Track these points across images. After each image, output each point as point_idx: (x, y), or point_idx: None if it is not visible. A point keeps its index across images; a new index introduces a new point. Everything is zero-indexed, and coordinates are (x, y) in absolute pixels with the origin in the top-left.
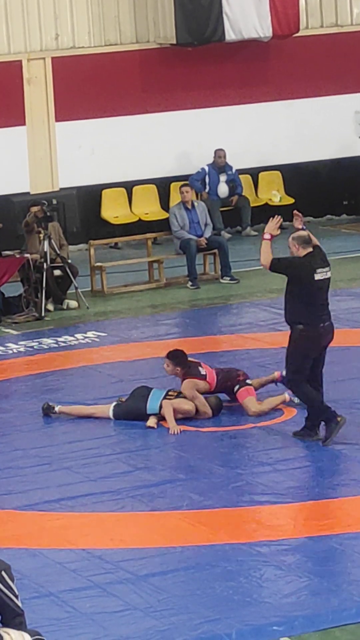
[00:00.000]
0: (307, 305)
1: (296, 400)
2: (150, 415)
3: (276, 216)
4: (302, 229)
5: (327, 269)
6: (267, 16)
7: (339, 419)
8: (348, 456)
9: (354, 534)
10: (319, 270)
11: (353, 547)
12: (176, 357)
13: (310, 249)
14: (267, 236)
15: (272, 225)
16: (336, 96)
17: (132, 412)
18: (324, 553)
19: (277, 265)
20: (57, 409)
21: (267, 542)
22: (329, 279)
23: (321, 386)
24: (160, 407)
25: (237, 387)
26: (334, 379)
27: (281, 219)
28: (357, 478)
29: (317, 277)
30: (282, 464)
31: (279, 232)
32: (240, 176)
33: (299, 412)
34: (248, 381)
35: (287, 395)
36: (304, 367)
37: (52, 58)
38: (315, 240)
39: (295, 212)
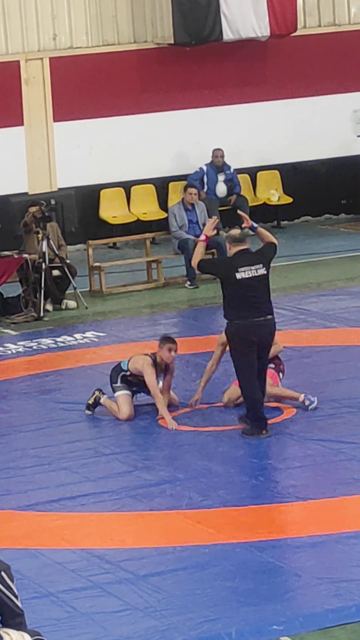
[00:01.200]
0: (232, 303)
1: (311, 404)
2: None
3: (213, 217)
4: (252, 228)
5: (257, 266)
6: (265, 15)
7: (264, 432)
8: (348, 455)
9: (353, 532)
10: (242, 269)
11: (353, 546)
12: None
13: (241, 248)
14: (202, 237)
15: (209, 227)
16: (334, 95)
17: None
18: (324, 552)
19: (203, 266)
20: (102, 400)
21: (266, 542)
22: (260, 276)
23: (263, 387)
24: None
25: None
26: (333, 378)
27: (217, 220)
28: (357, 477)
29: (240, 275)
30: (281, 463)
31: (214, 232)
32: (239, 175)
33: (299, 412)
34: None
35: (302, 396)
36: (243, 362)
37: (50, 58)
38: (269, 237)
39: (239, 212)
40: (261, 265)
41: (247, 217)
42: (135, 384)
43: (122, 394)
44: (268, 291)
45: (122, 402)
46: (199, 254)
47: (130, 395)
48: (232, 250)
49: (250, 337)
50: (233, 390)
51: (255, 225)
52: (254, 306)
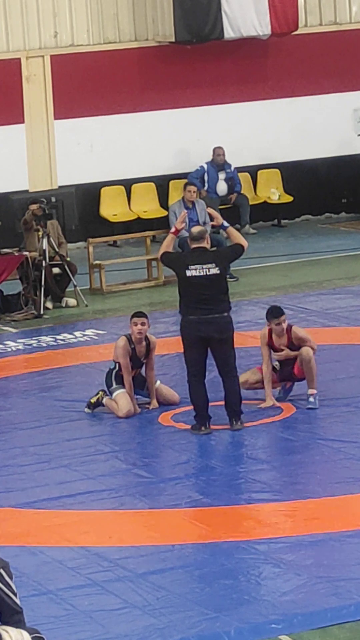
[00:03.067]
0: (182, 298)
1: (312, 405)
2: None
3: (183, 211)
4: (223, 227)
5: (208, 265)
6: (266, 14)
7: (202, 428)
8: (347, 454)
9: (352, 531)
10: (192, 267)
11: (352, 545)
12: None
13: (197, 245)
14: (172, 229)
15: (179, 220)
16: (335, 94)
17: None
18: (323, 551)
19: (164, 259)
20: (104, 400)
21: (265, 540)
22: (212, 275)
23: (234, 384)
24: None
25: None
26: (333, 377)
27: (186, 214)
28: (356, 476)
29: (190, 273)
30: (281, 462)
31: (183, 225)
32: (239, 174)
33: (297, 410)
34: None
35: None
36: (189, 357)
37: (51, 56)
38: (237, 238)
39: (208, 209)
40: (214, 265)
41: (217, 215)
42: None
43: (120, 392)
44: (222, 290)
45: (120, 398)
46: (165, 246)
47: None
48: (191, 246)
49: (196, 334)
50: (251, 374)
51: (225, 224)
52: (203, 304)
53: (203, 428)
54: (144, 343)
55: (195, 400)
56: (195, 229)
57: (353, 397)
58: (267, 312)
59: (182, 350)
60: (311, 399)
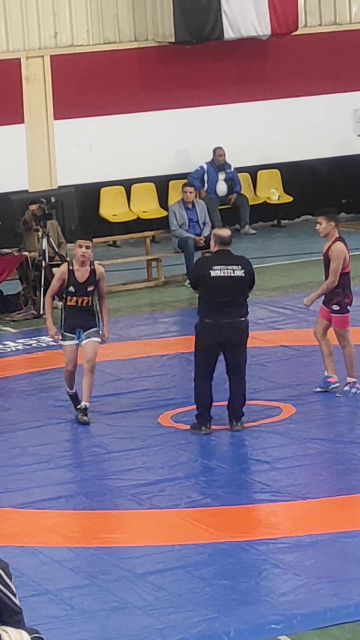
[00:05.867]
0: (203, 299)
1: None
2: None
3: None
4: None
5: (234, 267)
6: (266, 14)
7: (203, 428)
8: (347, 454)
9: (352, 532)
10: (217, 267)
11: (351, 545)
12: None
13: (221, 248)
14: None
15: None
16: (335, 94)
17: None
18: (323, 551)
19: (192, 283)
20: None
21: (265, 541)
22: (236, 277)
23: (240, 384)
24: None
25: None
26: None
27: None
28: (357, 476)
29: (214, 273)
30: (281, 462)
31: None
32: (239, 174)
33: (298, 410)
34: None
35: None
36: (201, 359)
37: (51, 56)
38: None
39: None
40: (239, 267)
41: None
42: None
43: (67, 344)
44: (243, 294)
45: (65, 350)
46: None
47: (75, 345)
48: (214, 248)
49: (214, 338)
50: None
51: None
52: (224, 306)
53: (203, 428)
54: (87, 267)
55: (199, 400)
56: (225, 233)
57: (353, 397)
58: None
59: (181, 351)
60: (346, 387)
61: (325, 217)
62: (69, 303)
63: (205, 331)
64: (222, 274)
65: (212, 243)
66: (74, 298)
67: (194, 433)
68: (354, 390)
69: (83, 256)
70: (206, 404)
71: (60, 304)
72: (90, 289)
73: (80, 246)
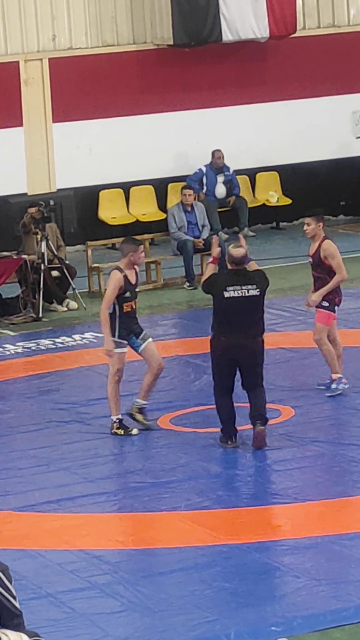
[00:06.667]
0: (216, 317)
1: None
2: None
3: (214, 237)
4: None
5: (248, 287)
6: (264, 17)
7: (229, 442)
8: (346, 456)
9: (352, 534)
10: (230, 288)
11: (351, 547)
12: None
13: (234, 267)
14: (209, 259)
15: (214, 248)
16: (333, 97)
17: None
18: (322, 553)
19: (205, 287)
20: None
21: (265, 543)
22: (251, 297)
23: (260, 392)
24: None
25: None
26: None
27: (217, 240)
28: (355, 478)
29: (228, 294)
30: (280, 465)
31: (218, 250)
32: (238, 177)
33: (297, 413)
34: None
35: (336, 376)
36: (218, 375)
37: (50, 59)
38: (253, 265)
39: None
40: (254, 286)
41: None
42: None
43: (122, 352)
44: (259, 313)
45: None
46: (206, 275)
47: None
48: (229, 266)
49: (227, 356)
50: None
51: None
52: (237, 325)
53: (229, 442)
54: (134, 270)
55: (221, 414)
56: (238, 252)
57: (352, 399)
58: None
59: (180, 354)
60: (333, 385)
61: (315, 218)
62: (125, 309)
63: (219, 349)
64: (235, 294)
65: (226, 261)
66: (130, 303)
67: (221, 446)
68: (341, 386)
69: (141, 259)
70: (229, 417)
71: (60, 308)
72: (137, 290)
73: (142, 251)
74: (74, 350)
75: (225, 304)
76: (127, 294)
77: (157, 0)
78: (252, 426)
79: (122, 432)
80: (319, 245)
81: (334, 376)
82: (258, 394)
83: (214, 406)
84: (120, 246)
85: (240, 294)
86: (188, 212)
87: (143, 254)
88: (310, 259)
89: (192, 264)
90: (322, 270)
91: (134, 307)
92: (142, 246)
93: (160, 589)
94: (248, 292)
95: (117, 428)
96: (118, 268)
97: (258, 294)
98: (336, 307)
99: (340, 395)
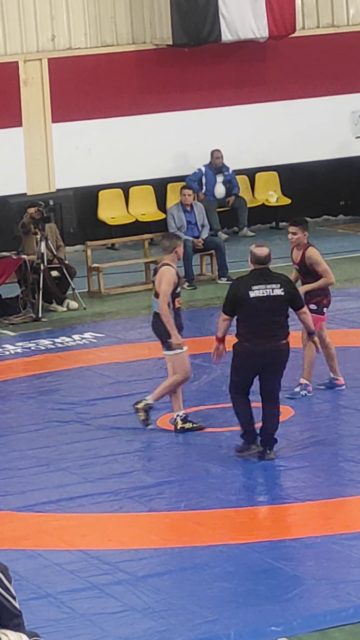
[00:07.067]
0: (242, 322)
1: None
2: None
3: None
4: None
5: (273, 285)
6: (264, 17)
7: (253, 447)
8: (346, 456)
9: (352, 534)
10: (255, 287)
11: (351, 547)
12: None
13: (257, 267)
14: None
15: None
16: (333, 96)
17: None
18: (322, 553)
19: (225, 308)
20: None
21: (265, 543)
22: (276, 297)
23: (274, 408)
24: None
25: None
26: (332, 379)
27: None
28: (355, 478)
29: (253, 293)
30: (280, 464)
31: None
32: (237, 177)
33: (296, 413)
34: None
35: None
36: (238, 380)
37: (49, 59)
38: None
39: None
40: (278, 286)
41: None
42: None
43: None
44: (284, 314)
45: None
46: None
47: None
48: (251, 267)
49: (253, 363)
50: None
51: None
52: (265, 328)
53: (253, 446)
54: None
55: (241, 417)
56: (262, 251)
57: (351, 399)
58: None
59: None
60: (297, 389)
61: (301, 227)
62: (176, 305)
63: (245, 355)
64: (261, 294)
65: (248, 261)
66: (179, 299)
67: (242, 457)
68: (304, 392)
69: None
70: (249, 420)
71: (60, 308)
72: None
73: (181, 245)
74: (73, 350)
75: (251, 304)
76: (178, 290)
77: (157, 1)
78: (260, 445)
79: (190, 424)
80: (303, 254)
81: (302, 380)
82: (273, 410)
83: (214, 406)
84: (164, 242)
85: (265, 294)
86: (187, 212)
87: (181, 247)
88: (297, 267)
89: (191, 264)
90: (312, 278)
91: (180, 303)
92: (180, 240)
93: (160, 589)
94: (273, 292)
95: (184, 423)
96: (167, 264)
97: (283, 293)
98: (325, 309)
99: (341, 395)
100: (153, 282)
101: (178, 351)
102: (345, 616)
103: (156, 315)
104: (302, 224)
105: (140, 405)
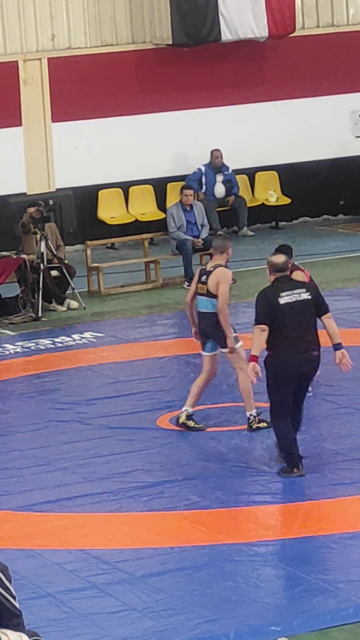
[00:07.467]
0: (275, 333)
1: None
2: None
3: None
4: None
5: (300, 290)
6: (263, 16)
7: (295, 470)
8: (346, 456)
9: (351, 533)
10: (284, 294)
11: (350, 547)
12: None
13: (278, 275)
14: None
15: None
16: (332, 96)
17: None
18: (322, 553)
19: (260, 319)
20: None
21: (264, 542)
22: (304, 301)
23: (299, 421)
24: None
25: None
26: (331, 379)
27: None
28: (354, 478)
29: (283, 300)
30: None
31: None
32: (237, 176)
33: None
34: None
35: None
36: (278, 398)
37: (49, 59)
38: (303, 277)
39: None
40: (304, 290)
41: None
42: None
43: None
44: (314, 319)
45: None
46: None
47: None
48: (271, 277)
49: (291, 374)
50: None
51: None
52: (299, 335)
53: (296, 470)
54: None
55: (284, 442)
56: (279, 259)
57: (351, 399)
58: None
59: (180, 353)
60: None
61: (286, 256)
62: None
63: (284, 366)
64: (291, 300)
65: (267, 272)
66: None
67: (285, 477)
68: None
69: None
70: (292, 445)
71: (60, 307)
72: None
73: (231, 246)
74: (73, 349)
75: (282, 312)
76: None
77: (156, 0)
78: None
79: (265, 424)
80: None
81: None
82: (297, 417)
83: (214, 406)
84: (217, 243)
85: (294, 299)
86: (187, 212)
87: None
88: None
89: (191, 263)
90: None
91: None
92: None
93: (159, 588)
94: (300, 297)
95: (259, 422)
96: (221, 265)
97: (310, 297)
98: None
99: (340, 395)
100: (202, 282)
101: (238, 345)
102: (345, 616)
103: (209, 315)
104: (287, 252)
105: (182, 420)
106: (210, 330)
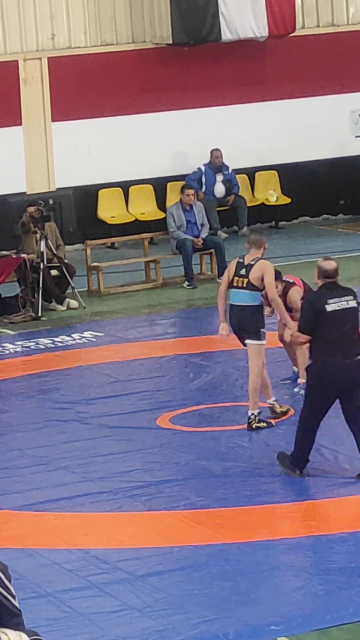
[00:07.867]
0: (320, 339)
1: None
2: None
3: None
4: None
5: (347, 298)
6: (263, 16)
7: (297, 471)
8: (346, 456)
9: (351, 533)
10: (331, 301)
11: (350, 546)
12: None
13: (327, 281)
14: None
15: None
16: (332, 96)
17: None
18: (321, 552)
19: (305, 326)
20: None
21: (264, 542)
22: (351, 309)
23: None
24: None
25: None
26: None
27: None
28: (354, 478)
29: (330, 307)
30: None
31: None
32: (237, 176)
33: (297, 413)
34: None
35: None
36: (316, 404)
37: (49, 58)
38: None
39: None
40: (352, 297)
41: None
42: None
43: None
44: (358, 327)
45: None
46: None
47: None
48: (319, 282)
49: (336, 382)
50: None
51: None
52: (345, 343)
53: (298, 472)
54: None
55: (301, 446)
56: (330, 265)
57: None
58: None
59: (180, 353)
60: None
61: (280, 281)
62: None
63: (327, 374)
64: (338, 307)
65: (315, 276)
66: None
67: (285, 472)
68: (303, 392)
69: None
70: (308, 450)
71: (59, 307)
72: None
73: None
74: (73, 349)
75: (329, 319)
76: None
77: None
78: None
79: (265, 424)
80: (286, 296)
81: (300, 380)
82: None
83: (214, 405)
84: (255, 238)
85: (341, 306)
86: (187, 211)
87: None
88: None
89: (191, 263)
90: (295, 312)
91: None
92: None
93: (159, 588)
94: (348, 304)
95: (259, 422)
96: (260, 258)
97: (356, 305)
98: None
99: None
100: (241, 275)
101: (264, 341)
102: (344, 615)
103: (247, 308)
104: (279, 278)
105: (254, 424)
106: (246, 322)
